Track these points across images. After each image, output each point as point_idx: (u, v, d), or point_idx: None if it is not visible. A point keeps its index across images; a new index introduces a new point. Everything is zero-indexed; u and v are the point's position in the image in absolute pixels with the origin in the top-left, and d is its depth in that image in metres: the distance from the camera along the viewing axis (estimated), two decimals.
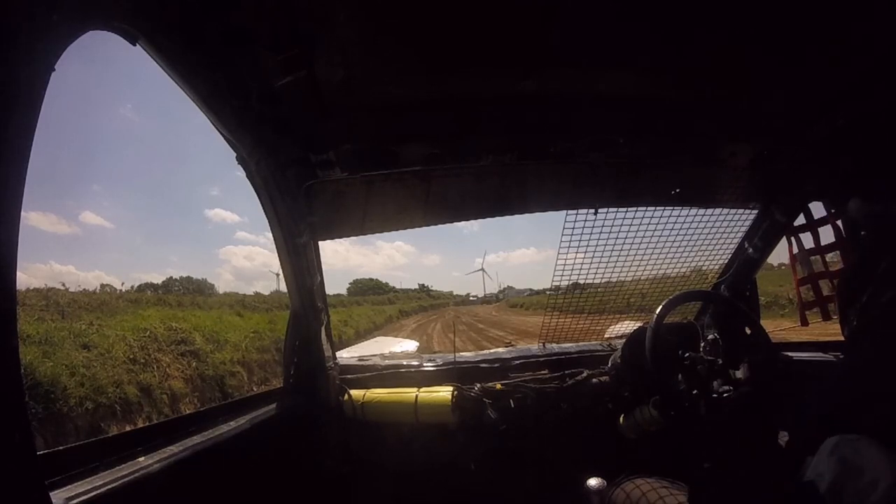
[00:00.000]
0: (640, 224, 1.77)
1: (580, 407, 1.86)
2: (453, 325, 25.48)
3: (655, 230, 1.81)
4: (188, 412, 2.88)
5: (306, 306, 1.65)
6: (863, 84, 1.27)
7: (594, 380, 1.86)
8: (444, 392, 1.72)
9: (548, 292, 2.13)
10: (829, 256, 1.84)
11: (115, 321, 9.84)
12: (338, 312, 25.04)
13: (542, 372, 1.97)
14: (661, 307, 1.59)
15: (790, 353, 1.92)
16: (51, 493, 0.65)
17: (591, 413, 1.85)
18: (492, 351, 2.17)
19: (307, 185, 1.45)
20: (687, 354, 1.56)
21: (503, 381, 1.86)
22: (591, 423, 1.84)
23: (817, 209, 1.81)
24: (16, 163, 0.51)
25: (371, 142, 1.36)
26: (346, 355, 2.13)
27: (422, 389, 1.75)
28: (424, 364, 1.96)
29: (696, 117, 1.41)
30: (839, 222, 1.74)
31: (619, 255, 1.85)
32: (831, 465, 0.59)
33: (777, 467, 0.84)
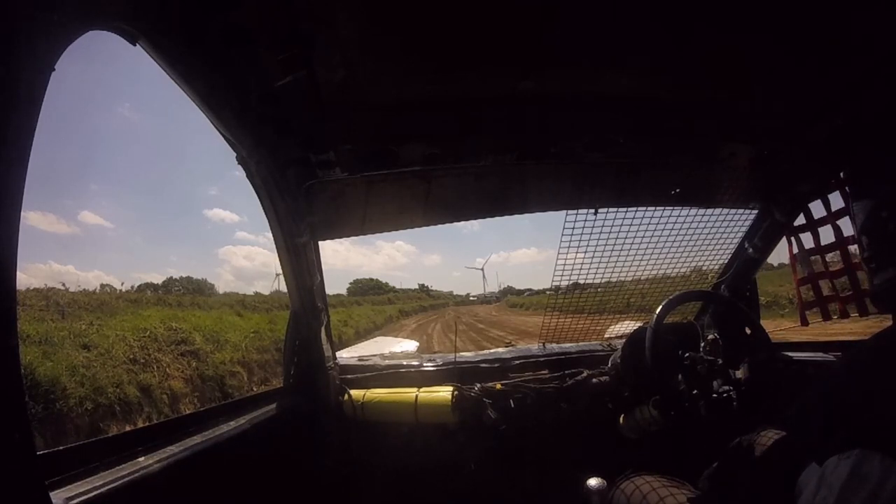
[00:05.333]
0: (640, 224, 1.78)
1: (580, 407, 1.86)
2: (454, 325, 25.47)
3: (655, 230, 1.82)
4: (188, 412, 2.88)
5: (306, 306, 1.65)
6: (863, 84, 1.27)
7: (594, 380, 1.86)
8: (444, 392, 1.72)
9: (548, 292, 2.13)
10: (829, 256, 1.84)
11: (115, 321, 9.86)
12: (338, 312, 25.04)
13: (542, 372, 1.97)
14: (661, 307, 1.59)
15: (790, 353, 1.92)
16: (51, 493, 0.64)
17: (591, 413, 1.85)
18: (492, 351, 2.17)
19: (307, 185, 1.45)
20: (687, 354, 1.56)
21: (503, 381, 1.86)
22: (591, 423, 1.84)
23: (817, 209, 1.81)
24: (16, 163, 0.51)
25: (371, 142, 1.36)
26: (346, 355, 2.13)
27: (422, 389, 1.75)
28: (424, 364, 1.96)
29: (696, 117, 1.41)
30: (839, 222, 1.74)
31: (619, 255, 1.85)
32: (840, 472, 0.58)
33: (778, 468, 0.84)
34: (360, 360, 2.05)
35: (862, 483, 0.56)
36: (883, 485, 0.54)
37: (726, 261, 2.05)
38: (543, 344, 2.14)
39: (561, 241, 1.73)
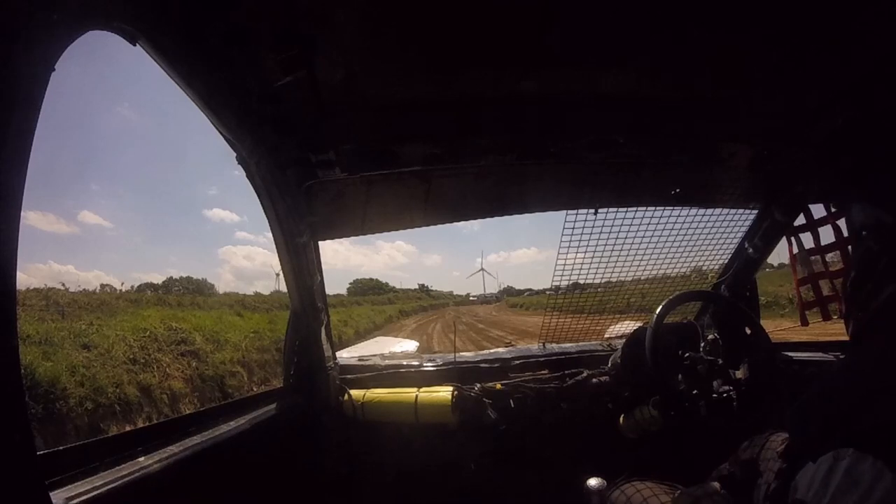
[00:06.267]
0: (640, 224, 1.78)
1: (580, 407, 1.86)
2: (454, 325, 25.49)
3: (655, 230, 1.82)
4: (188, 412, 2.88)
5: (306, 306, 1.65)
6: (863, 84, 1.27)
7: (594, 380, 1.86)
8: (444, 392, 1.72)
9: (548, 292, 2.13)
10: (829, 256, 1.84)
11: (115, 321, 9.85)
12: (338, 312, 25.03)
13: (542, 372, 1.97)
14: (661, 307, 1.59)
15: (790, 353, 1.92)
16: (51, 493, 0.65)
17: (591, 413, 1.85)
18: (492, 351, 2.18)
19: (307, 185, 1.45)
20: (687, 354, 1.56)
21: (503, 381, 1.86)
22: (591, 423, 1.84)
23: (817, 209, 1.81)
24: (16, 163, 0.51)
25: (371, 142, 1.36)
26: (346, 355, 2.13)
27: (422, 389, 1.75)
28: (424, 364, 1.96)
29: (696, 117, 1.41)
30: (839, 222, 1.75)
31: (619, 255, 1.86)
32: (834, 473, 0.59)
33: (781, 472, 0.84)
34: (360, 360, 2.05)
35: (855, 485, 0.56)
36: (874, 487, 0.55)
37: (726, 261, 2.05)
38: (543, 344, 2.14)
39: (561, 241, 1.73)
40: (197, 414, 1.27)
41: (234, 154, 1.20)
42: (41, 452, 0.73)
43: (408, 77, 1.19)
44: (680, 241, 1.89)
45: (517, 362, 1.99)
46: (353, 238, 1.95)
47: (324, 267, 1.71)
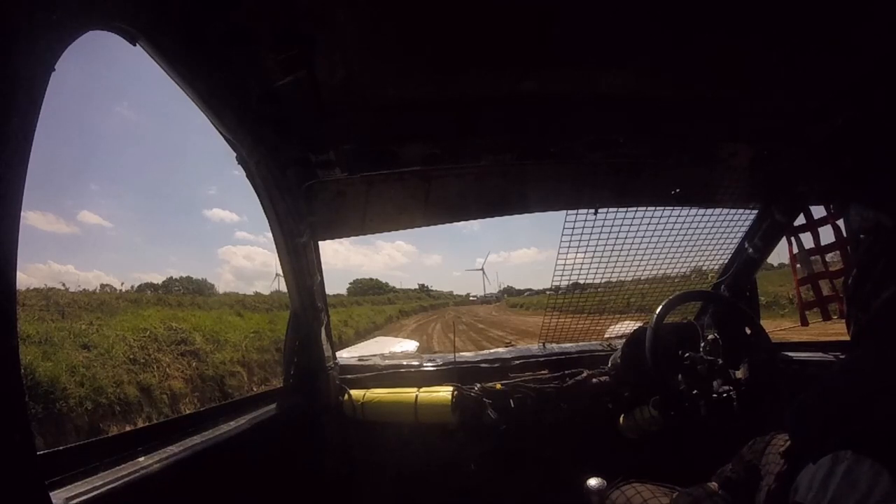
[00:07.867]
0: (640, 224, 1.78)
1: (580, 407, 1.86)
2: (453, 325, 25.50)
3: (655, 230, 1.82)
4: (188, 412, 2.88)
5: (306, 306, 1.65)
6: (863, 84, 1.27)
7: (594, 380, 1.86)
8: (444, 392, 1.72)
9: (548, 292, 2.13)
10: (829, 256, 1.84)
11: (114, 321, 9.85)
12: (338, 312, 25.04)
13: (542, 372, 1.97)
14: (661, 307, 1.59)
15: (790, 353, 1.93)
16: (51, 493, 0.65)
17: (591, 413, 1.85)
18: (492, 351, 2.18)
19: (307, 185, 1.45)
20: (687, 354, 1.56)
21: (503, 381, 1.86)
22: (591, 423, 1.84)
23: (817, 209, 1.81)
24: (16, 163, 0.51)
25: (371, 142, 1.36)
26: (346, 355, 2.13)
27: (422, 389, 1.75)
28: (424, 364, 1.96)
29: (696, 117, 1.41)
30: (839, 222, 1.75)
31: (619, 255, 1.86)
32: (834, 475, 0.59)
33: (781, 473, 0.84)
34: (360, 360, 2.05)
35: (853, 487, 0.57)
36: (873, 489, 0.55)
37: (726, 261, 2.05)
38: (543, 344, 2.14)
39: (561, 241, 1.73)
40: (197, 414, 1.27)
41: (234, 154, 1.20)
42: (41, 452, 0.73)
43: (408, 77, 1.19)
44: (680, 241, 1.89)
45: (517, 362, 1.99)
46: (353, 238, 1.95)
47: (324, 267, 1.71)
